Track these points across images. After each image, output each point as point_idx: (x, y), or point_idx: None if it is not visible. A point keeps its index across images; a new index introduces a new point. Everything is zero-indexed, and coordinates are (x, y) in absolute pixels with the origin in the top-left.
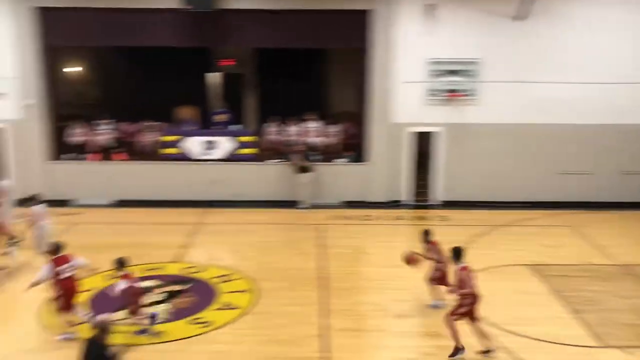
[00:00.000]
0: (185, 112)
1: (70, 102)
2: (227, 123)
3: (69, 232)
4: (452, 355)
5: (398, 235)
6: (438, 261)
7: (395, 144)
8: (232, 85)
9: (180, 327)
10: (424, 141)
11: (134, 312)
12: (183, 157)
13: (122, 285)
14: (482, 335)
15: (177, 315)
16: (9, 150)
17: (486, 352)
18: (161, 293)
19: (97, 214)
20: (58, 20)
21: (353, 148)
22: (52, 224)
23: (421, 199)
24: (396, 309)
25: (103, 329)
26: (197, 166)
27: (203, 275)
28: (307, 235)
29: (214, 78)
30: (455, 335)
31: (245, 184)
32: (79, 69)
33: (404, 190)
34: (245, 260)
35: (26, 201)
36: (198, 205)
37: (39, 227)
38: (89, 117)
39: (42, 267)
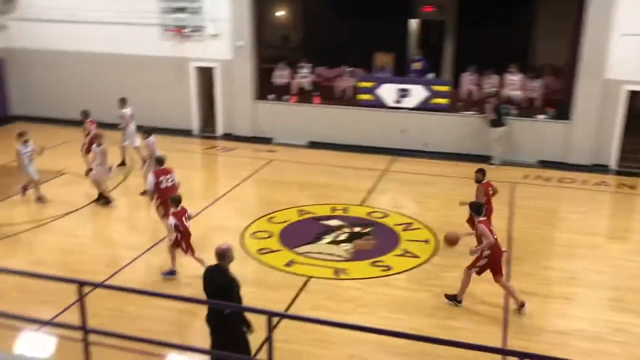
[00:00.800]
0: (382, 59)
1: (275, 45)
2: (422, 71)
3: (267, 168)
4: (449, 298)
5: (598, 202)
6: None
7: (606, 103)
8: (431, 33)
9: (360, 267)
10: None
11: (180, 247)
12: (376, 104)
13: (172, 221)
14: (509, 290)
15: (358, 255)
16: (217, 87)
17: (520, 307)
18: (344, 233)
19: (292, 153)
20: None
21: (555, 104)
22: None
23: (630, 164)
24: (588, 278)
25: (223, 255)
26: (389, 114)
27: (386, 221)
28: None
29: (413, 24)
30: (463, 286)
31: (435, 135)
32: (284, 13)
33: (613, 154)
34: (428, 210)
35: (145, 132)
36: (387, 152)
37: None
38: (291, 61)
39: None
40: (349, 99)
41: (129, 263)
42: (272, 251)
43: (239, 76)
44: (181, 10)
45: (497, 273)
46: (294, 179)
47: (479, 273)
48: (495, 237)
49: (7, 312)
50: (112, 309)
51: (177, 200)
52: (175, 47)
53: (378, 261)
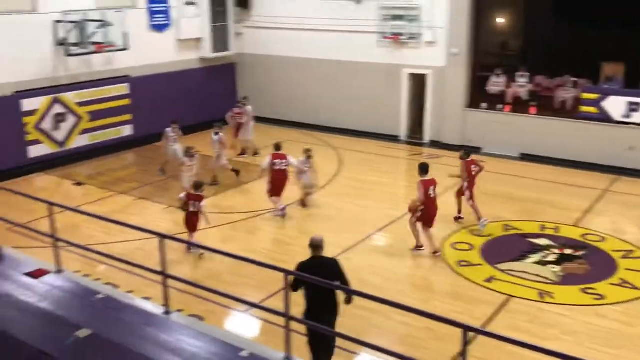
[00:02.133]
0: (611, 69)
1: (491, 52)
2: None
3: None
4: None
5: None
6: (464, 179)
7: None
8: None
9: (568, 292)
10: None
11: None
12: (600, 117)
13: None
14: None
15: (567, 280)
16: (428, 94)
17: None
18: (553, 254)
19: (501, 164)
20: None
21: None
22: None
23: None
24: None
25: (321, 245)
26: (615, 129)
27: (602, 246)
28: None
29: None
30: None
31: None
32: (503, 19)
33: None
34: None
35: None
36: (609, 170)
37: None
38: (508, 68)
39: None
40: (569, 111)
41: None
42: (472, 265)
43: (452, 83)
44: (399, 18)
45: (426, 225)
46: (501, 191)
47: (418, 221)
48: (432, 196)
49: (221, 291)
50: None
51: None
52: (390, 54)
53: (590, 288)
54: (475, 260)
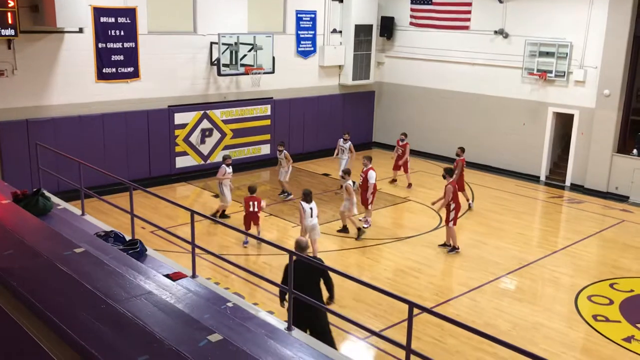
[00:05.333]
0: None
1: None
2: None
3: (617, 228)
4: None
5: None
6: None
7: None
8: None
9: None
10: None
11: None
12: None
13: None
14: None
15: None
16: (574, 135)
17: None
18: None
19: None
20: None
21: None
22: None
23: None
24: None
25: (305, 246)
26: None
27: None
28: None
29: None
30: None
31: None
32: None
33: None
34: None
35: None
36: None
37: None
38: None
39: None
40: None
41: (457, 297)
42: (610, 320)
43: (600, 126)
44: (548, 54)
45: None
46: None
47: (454, 223)
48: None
49: (343, 315)
50: (432, 337)
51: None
52: (535, 91)
53: None
54: (613, 316)
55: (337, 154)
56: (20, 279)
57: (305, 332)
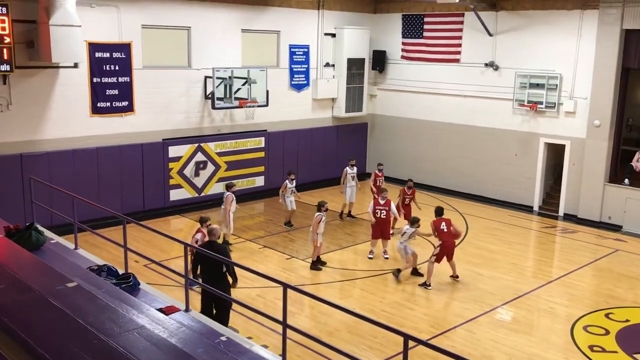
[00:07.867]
0: None
1: (637, 126)
2: None
3: (610, 257)
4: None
5: None
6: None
7: None
8: None
9: None
10: None
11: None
12: None
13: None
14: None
15: None
16: (565, 166)
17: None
18: None
19: None
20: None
21: None
22: None
23: None
24: None
25: (214, 233)
26: None
27: None
28: None
29: None
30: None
31: None
32: None
33: None
34: None
35: None
36: None
37: None
38: None
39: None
40: None
41: (453, 328)
42: (606, 351)
43: (591, 156)
44: (538, 86)
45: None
46: (638, 273)
47: (436, 260)
48: (446, 231)
49: (338, 348)
50: None
51: (440, 212)
52: (526, 122)
53: None
54: (610, 347)
55: (344, 182)
56: (11, 314)
57: (212, 311)
